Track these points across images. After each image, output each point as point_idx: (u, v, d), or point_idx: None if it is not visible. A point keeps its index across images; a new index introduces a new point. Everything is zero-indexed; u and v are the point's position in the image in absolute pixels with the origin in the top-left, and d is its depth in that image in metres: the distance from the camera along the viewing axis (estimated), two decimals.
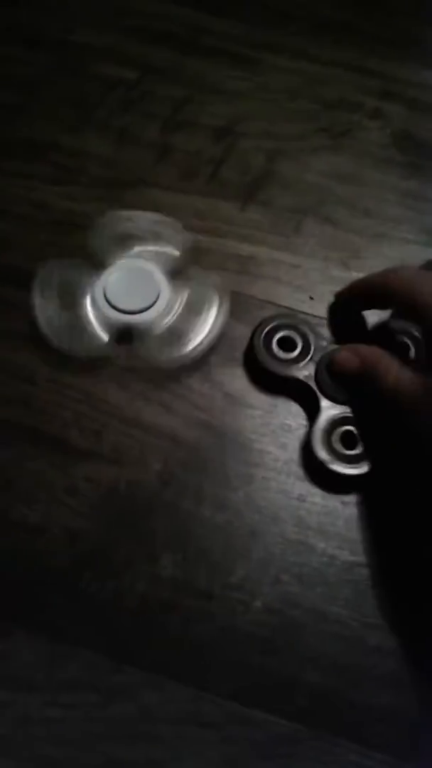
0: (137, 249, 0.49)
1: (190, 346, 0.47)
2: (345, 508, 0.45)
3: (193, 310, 0.48)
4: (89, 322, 0.47)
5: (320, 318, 0.50)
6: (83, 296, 0.48)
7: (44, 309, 0.47)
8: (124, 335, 0.48)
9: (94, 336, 0.47)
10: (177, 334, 0.47)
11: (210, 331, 0.47)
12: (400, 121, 0.60)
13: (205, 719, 0.40)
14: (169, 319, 0.47)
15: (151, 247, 0.50)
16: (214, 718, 0.40)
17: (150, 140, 0.57)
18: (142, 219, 0.51)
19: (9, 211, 0.53)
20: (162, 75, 0.60)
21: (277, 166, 0.56)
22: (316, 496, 0.45)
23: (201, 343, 0.47)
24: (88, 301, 0.48)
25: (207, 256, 0.52)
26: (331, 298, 0.50)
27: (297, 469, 0.46)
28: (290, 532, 0.44)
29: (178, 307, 0.48)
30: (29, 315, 0.47)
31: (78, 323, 0.47)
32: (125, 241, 0.50)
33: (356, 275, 0.52)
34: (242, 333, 0.49)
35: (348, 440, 0.44)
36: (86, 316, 0.47)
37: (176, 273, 0.49)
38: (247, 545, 0.44)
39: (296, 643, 0.41)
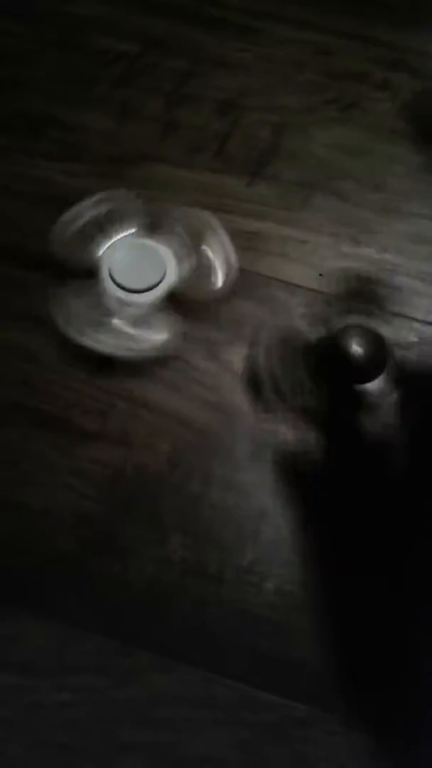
0: (160, 231, 0.48)
1: (169, 336, 0.45)
2: None
3: (185, 309, 0.46)
4: (95, 289, 0.46)
5: (330, 295, 0.49)
6: (110, 233, 0.47)
7: (77, 213, 0.47)
8: (119, 310, 0.46)
9: (97, 304, 0.46)
10: (162, 320, 0.46)
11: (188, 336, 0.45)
12: (409, 92, 0.59)
13: (215, 702, 0.40)
14: (160, 306, 0.46)
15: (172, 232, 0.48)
16: (224, 701, 0.40)
17: (153, 115, 0.55)
18: (216, 231, 0.48)
19: (10, 187, 0.52)
20: (164, 48, 0.58)
21: (284, 140, 0.55)
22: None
23: (176, 342, 0.45)
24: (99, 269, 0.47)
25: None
26: (341, 275, 0.49)
27: (308, 449, 0.45)
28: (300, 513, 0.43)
29: (174, 295, 0.46)
30: (37, 296, 0.46)
31: (85, 244, 0.46)
32: (146, 219, 0.48)
33: (367, 251, 0.51)
34: (250, 311, 0.48)
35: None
36: (94, 248, 0.46)
37: (185, 259, 0.47)
38: (256, 527, 0.43)
39: (309, 625, 0.41)
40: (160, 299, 0.46)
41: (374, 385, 0.44)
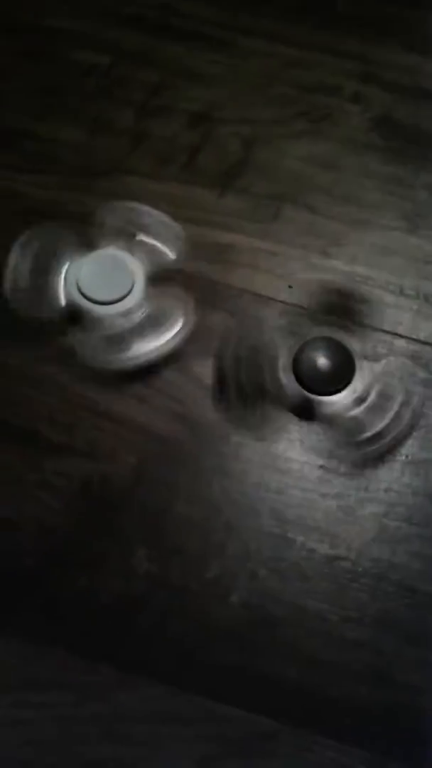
0: (138, 238, 0.48)
1: (130, 356, 0.45)
2: (324, 501, 0.44)
3: (151, 325, 0.46)
4: (55, 295, 0.46)
5: (299, 307, 0.49)
6: (59, 268, 0.46)
7: (17, 268, 0.46)
8: (78, 321, 0.46)
9: (53, 307, 0.46)
10: (123, 340, 0.46)
11: (153, 351, 0.45)
12: (381, 105, 0.59)
13: (180, 717, 0.40)
14: (124, 322, 0.46)
15: (150, 241, 0.48)
16: (189, 716, 0.39)
17: (124, 127, 0.55)
18: (146, 213, 0.49)
19: None
20: (136, 60, 0.58)
21: (255, 153, 0.55)
22: (294, 489, 0.44)
23: (141, 357, 0.45)
24: (61, 277, 0.46)
25: (184, 245, 0.50)
26: (311, 287, 0.49)
27: (275, 462, 0.45)
28: (268, 526, 0.43)
29: (139, 315, 0.46)
30: (2, 308, 0.46)
31: (43, 291, 0.46)
32: (123, 231, 0.48)
33: (336, 263, 0.52)
34: (219, 322, 0.48)
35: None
36: (55, 287, 0.46)
37: (156, 276, 0.47)
38: (223, 540, 0.43)
39: (274, 638, 0.41)
40: (141, 302, 0.46)
41: (341, 397, 0.44)
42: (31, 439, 0.44)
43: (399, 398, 0.45)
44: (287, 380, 0.45)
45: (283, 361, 0.45)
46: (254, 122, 0.57)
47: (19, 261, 0.46)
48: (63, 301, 0.46)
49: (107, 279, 0.46)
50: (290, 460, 0.44)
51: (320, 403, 0.44)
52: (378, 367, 0.46)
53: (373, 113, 0.59)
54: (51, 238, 0.48)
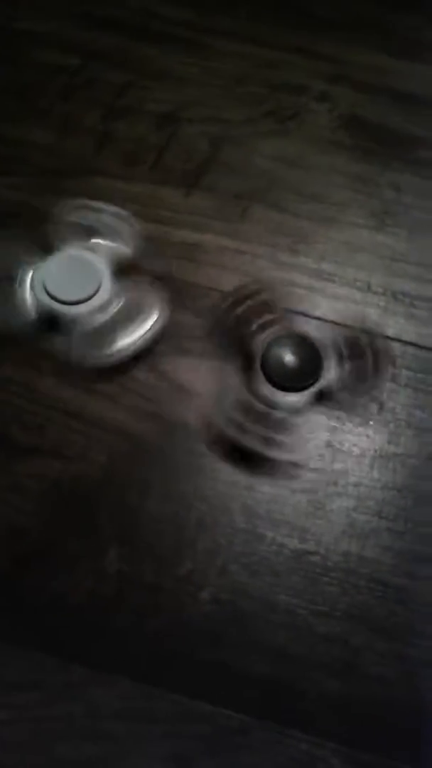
0: (93, 241, 0.48)
1: (114, 349, 0.45)
2: (293, 496, 0.44)
3: (127, 317, 0.46)
4: (22, 300, 0.46)
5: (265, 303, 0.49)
6: (23, 273, 0.47)
7: None
8: (54, 324, 0.46)
9: (21, 313, 0.46)
10: (104, 334, 0.46)
11: (134, 342, 0.46)
12: (348, 104, 0.60)
13: (153, 714, 0.40)
14: (100, 318, 0.46)
15: (104, 241, 0.48)
16: (161, 713, 0.40)
17: (92, 128, 0.56)
18: (100, 210, 0.50)
19: None
20: (106, 61, 0.59)
21: (223, 152, 0.56)
22: (265, 484, 0.45)
23: (125, 349, 0.46)
24: (27, 281, 0.46)
25: (150, 244, 0.50)
26: (279, 285, 0.50)
27: (245, 458, 0.45)
28: (238, 522, 0.43)
29: (113, 309, 0.46)
30: None
31: (10, 300, 0.46)
32: (79, 229, 0.49)
33: (304, 260, 0.52)
34: (188, 321, 0.48)
35: (271, 423, 0.43)
36: (20, 293, 0.46)
37: (121, 272, 0.48)
38: (194, 536, 0.43)
39: (245, 633, 0.41)
40: (111, 297, 0.46)
41: (306, 394, 0.44)
42: (2, 442, 0.44)
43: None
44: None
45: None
46: (222, 122, 0.57)
47: None
48: (33, 308, 0.46)
49: (74, 279, 0.46)
50: (259, 456, 0.45)
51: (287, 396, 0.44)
52: (346, 363, 0.46)
53: (341, 112, 0.59)
54: (8, 245, 0.47)
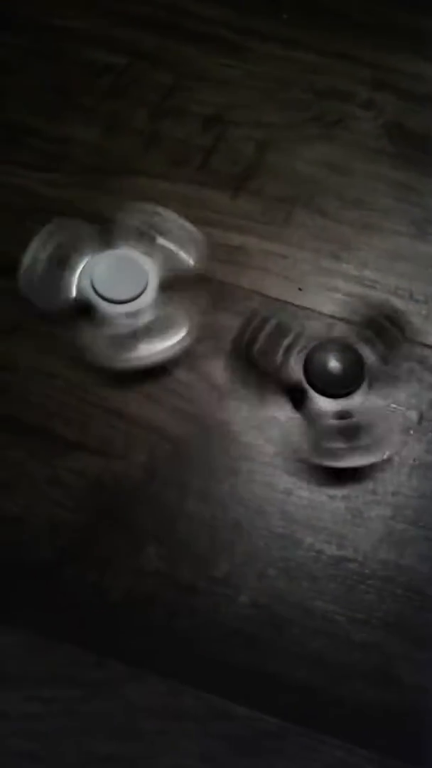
0: (154, 246, 0.48)
1: (133, 356, 0.45)
2: (332, 502, 0.44)
3: (156, 329, 0.46)
4: (68, 288, 0.46)
5: (309, 310, 0.49)
6: (76, 262, 0.46)
7: (36, 255, 0.46)
8: (88, 317, 0.46)
9: (64, 299, 0.46)
10: (128, 340, 0.46)
11: (154, 355, 0.45)
12: (393, 112, 0.60)
13: (186, 713, 0.40)
14: (131, 322, 0.46)
15: (169, 245, 0.48)
16: (195, 713, 0.40)
17: (137, 127, 0.56)
18: (168, 218, 0.49)
19: None
20: (151, 61, 0.59)
21: (268, 156, 0.56)
22: (302, 489, 0.45)
23: (143, 359, 0.45)
24: (77, 271, 0.46)
25: (201, 251, 0.50)
26: (320, 290, 0.50)
27: (284, 463, 0.45)
28: (276, 526, 0.44)
29: (147, 317, 0.46)
30: (15, 304, 0.46)
31: (57, 281, 0.46)
32: (143, 233, 0.48)
33: (346, 267, 0.52)
34: (230, 323, 0.48)
35: (336, 434, 0.43)
36: (69, 280, 0.46)
37: (170, 282, 0.47)
38: (231, 539, 0.43)
39: (281, 638, 0.41)
40: (152, 304, 0.46)
41: (351, 400, 0.44)
42: (42, 435, 0.44)
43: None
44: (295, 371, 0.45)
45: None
46: (267, 126, 0.57)
47: (39, 249, 0.46)
48: (74, 295, 0.46)
49: (121, 278, 0.46)
50: (299, 460, 0.45)
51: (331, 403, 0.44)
52: (387, 370, 0.46)
53: (385, 120, 0.59)
54: (74, 231, 0.47)
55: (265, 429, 0.46)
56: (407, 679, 0.40)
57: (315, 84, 0.60)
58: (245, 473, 0.45)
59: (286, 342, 0.46)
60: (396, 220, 0.54)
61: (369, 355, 0.46)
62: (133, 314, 0.46)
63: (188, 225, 0.48)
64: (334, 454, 0.43)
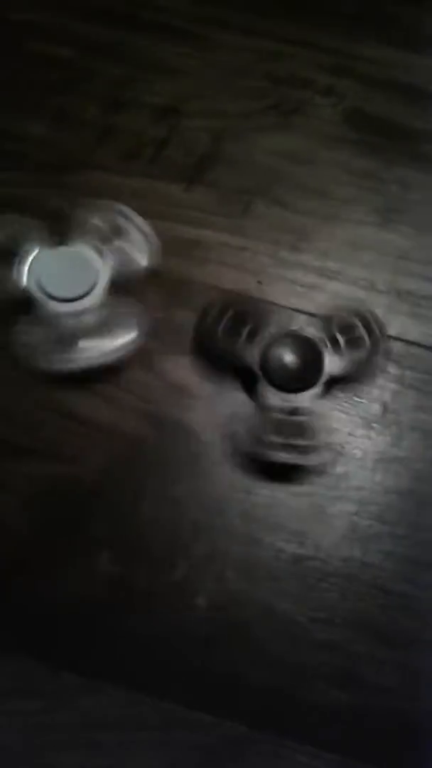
0: (107, 245, 0.46)
1: (77, 356, 0.43)
2: (294, 499, 0.43)
3: (103, 330, 0.44)
4: (13, 282, 0.44)
5: (269, 302, 0.48)
6: (23, 256, 0.45)
7: None
8: (32, 313, 0.44)
9: (7, 293, 0.44)
10: (72, 339, 0.44)
11: (100, 356, 0.43)
12: (354, 98, 0.58)
13: (146, 723, 0.39)
14: (76, 321, 0.44)
15: (124, 245, 0.46)
16: (155, 722, 0.39)
17: (90, 121, 0.54)
18: (125, 217, 0.47)
19: None
20: (102, 53, 0.57)
21: (224, 146, 0.54)
22: (263, 488, 0.44)
23: (88, 359, 0.43)
24: (24, 266, 0.45)
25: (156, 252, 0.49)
26: (280, 282, 0.48)
27: (244, 461, 0.44)
28: (236, 526, 0.42)
29: (93, 317, 0.44)
30: None
31: (2, 274, 0.44)
32: (98, 231, 0.46)
33: (307, 258, 0.51)
34: (186, 320, 0.47)
35: (281, 429, 0.42)
36: (15, 274, 0.44)
37: (120, 283, 0.46)
38: (189, 541, 0.42)
39: (241, 640, 0.40)
40: (101, 302, 0.44)
41: (308, 395, 0.43)
42: None
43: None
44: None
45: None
46: (224, 116, 0.56)
47: None
48: (19, 289, 0.44)
49: (69, 276, 0.45)
50: (257, 458, 0.43)
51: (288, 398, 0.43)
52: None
53: (346, 107, 0.58)
54: (20, 226, 0.46)
55: (225, 427, 0.44)
56: (371, 679, 0.39)
57: (273, 72, 0.59)
58: (204, 473, 0.44)
59: (245, 332, 0.44)
60: (358, 209, 0.53)
61: (330, 348, 0.44)
62: (81, 313, 0.44)
63: (141, 220, 0.47)
64: (273, 448, 0.41)
